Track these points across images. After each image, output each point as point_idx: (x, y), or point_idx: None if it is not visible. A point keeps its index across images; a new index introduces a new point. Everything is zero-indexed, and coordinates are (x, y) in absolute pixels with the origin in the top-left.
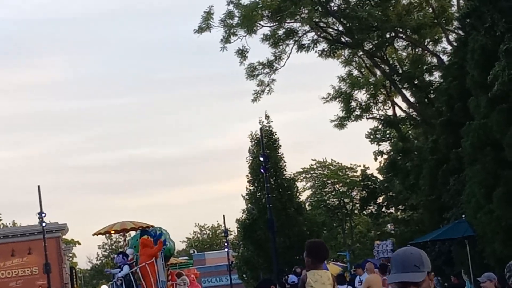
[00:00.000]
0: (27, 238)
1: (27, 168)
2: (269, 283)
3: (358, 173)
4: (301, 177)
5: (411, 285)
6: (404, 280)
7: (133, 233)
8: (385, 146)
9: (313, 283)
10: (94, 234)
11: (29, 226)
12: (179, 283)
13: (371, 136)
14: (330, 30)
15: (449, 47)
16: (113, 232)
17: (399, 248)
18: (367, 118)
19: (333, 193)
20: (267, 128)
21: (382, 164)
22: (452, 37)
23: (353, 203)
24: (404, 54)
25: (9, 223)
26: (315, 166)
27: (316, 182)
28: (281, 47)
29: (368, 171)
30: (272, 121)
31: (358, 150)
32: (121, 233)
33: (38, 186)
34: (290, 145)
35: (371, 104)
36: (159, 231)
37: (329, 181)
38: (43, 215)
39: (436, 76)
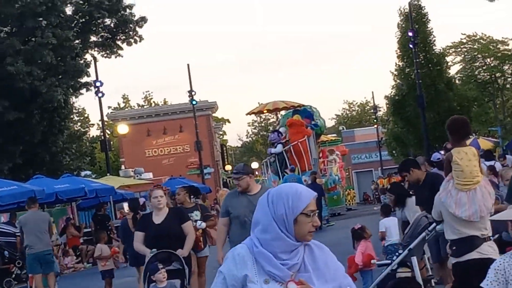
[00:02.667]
0: (178, 116)
1: (177, 47)
2: (409, 164)
3: (510, 47)
4: (451, 52)
5: None
6: None
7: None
8: None
9: (459, 160)
10: (247, 114)
11: (179, 104)
12: (330, 160)
13: None
14: None
15: None
16: (265, 111)
17: None
18: None
19: (484, 68)
20: (415, 2)
21: None
22: None
23: (504, 78)
24: None
25: (161, 102)
26: (465, 40)
27: (466, 57)
28: None
29: None
30: None
31: (510, 22)
32: (273, 112)
33: (188, 65)
34: (439, 19)
35: None
36: (309, 109)
37: (479, 56)
38: (193, 93)
39: None
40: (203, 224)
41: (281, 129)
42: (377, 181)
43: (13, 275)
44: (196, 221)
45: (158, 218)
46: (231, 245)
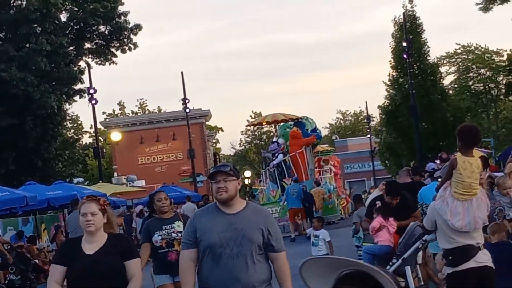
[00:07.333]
0: (171, 124)
1: (172, 55)
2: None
3: (504, 58)
4: (445, 62)
5: None
6: None
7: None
8: None
9: (462, 170)
10: (247, 126)
11: (173, 112)
12: (325, 170)
13: None
14: None
15: None
16: (265, 123)
17: None
18: None
19: (478, 78)
20: (410, 12)
21: None
22: None
23: (498, 89)
24: None
25: (154, 109)
26: (459, 51)
27: (461, 67)
28: None
29: None
30: (415, 5)
31: (505, 34)
32: (272, 124)
33: (182, 73)
34: (434, 30)
35: None
36: (305, 120)
37: (473, 66)
38: (187, 101)
39: None
40: None
41: (280, 140)
42: (369, 190)
43: (6, 281)
44: (179, 232)
45: (90, 247)
46: None
